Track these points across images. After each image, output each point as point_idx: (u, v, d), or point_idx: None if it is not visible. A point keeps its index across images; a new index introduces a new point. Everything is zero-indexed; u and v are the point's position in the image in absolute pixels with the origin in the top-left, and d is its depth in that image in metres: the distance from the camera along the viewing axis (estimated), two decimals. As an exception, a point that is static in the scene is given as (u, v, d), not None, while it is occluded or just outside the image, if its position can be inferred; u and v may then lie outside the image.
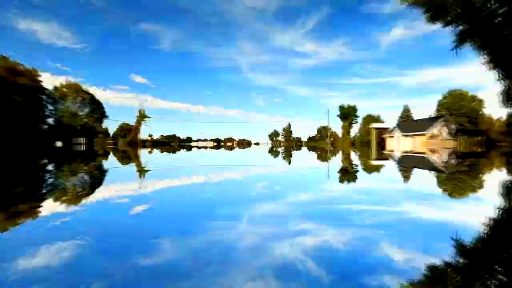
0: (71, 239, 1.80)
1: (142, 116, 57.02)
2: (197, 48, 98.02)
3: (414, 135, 35.84)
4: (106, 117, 54.85)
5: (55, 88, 45.28)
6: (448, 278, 1.32)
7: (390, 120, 58.68)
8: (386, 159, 11.93)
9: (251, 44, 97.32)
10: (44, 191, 3.72)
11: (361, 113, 59.43)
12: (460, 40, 11.87)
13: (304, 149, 33.35)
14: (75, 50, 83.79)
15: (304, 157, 13.95)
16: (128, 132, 57.58)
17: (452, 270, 1.39)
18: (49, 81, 70.17)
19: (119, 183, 4.49)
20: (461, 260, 1.50)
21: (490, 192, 3.72)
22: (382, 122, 52.18)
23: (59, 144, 39.81)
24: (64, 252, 1.60)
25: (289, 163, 9.79)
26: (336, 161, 10.39)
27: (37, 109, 38.48)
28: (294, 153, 19.53)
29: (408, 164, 9.13)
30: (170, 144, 74.73)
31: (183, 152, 21.62)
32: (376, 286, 1.24)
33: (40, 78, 38.08)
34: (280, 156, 14.47)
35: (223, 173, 6.05)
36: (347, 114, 61.37)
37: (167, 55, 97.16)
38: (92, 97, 51.79)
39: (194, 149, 30.21)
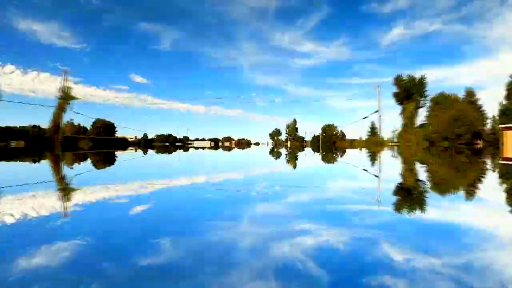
0: (71, 239, 1.84)
1: (66, 98, 35.18)
2: (197, 48, 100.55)
3: None
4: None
5: None
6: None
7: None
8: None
9: (251, 44, 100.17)
10: None
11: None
12: None
13: (308, 149, 32.15)
14: (75, 50, 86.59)
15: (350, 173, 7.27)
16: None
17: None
18: (49, 81, 73.75)
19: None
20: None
21: None
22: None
23: None
24: (64, 252, 1.64)
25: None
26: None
27: None
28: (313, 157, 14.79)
29: None
30: (137, 144, 71.53)
31: (162, 154, 18.24)
32: (376, 286, 1.26)
33: None
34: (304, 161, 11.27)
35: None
36: (409, 91, 36.71)
37: (167, 55, 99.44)
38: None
39: (181, 150, 28.37)
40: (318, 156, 15.53)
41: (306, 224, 2.21)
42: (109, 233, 2.06)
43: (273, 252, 1.65)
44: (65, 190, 4.03)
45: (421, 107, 37.40)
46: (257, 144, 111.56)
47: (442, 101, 34.32)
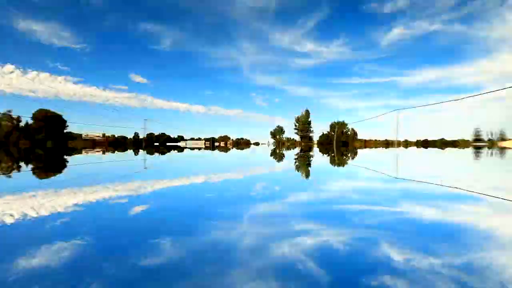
0: (71, 239, 1.93)
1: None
2: (197, 48, 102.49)
3: None
4: None
5: None
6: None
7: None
8: None
9: (251, 44, 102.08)
10: None
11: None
12: None
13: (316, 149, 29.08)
14: (75, 50, 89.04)
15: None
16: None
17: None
18: (48, 81, 75.79)
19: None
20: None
21: None
22: None
23: None
24: (64, 252, 1.74)
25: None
26: None
27: None
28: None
29: None
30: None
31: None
32: (376, 286, 1.37)
33: None
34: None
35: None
36: None
37: (167, 55, 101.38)
38: None
39: (173, 151, 25.77)
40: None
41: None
42: (109, 233, 2.13)
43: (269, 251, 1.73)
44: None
45: None
46: (257, 144, 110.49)
47: None
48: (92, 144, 60.55)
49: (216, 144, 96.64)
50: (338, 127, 69.25)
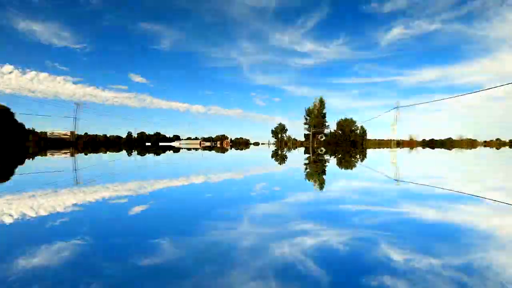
0: (70, 238, 1.93)
1: None
2: (197, 48, 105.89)
3: None
4: None
5: None
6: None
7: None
8: None
9: (251, 44, 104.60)
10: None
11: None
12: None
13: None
14: (75, 50, 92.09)
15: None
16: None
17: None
18: (47, 81, 76.56)
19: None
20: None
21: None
22: None
23: None
24: (64, 252, 1.74)
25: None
26: None
27: None
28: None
29: None
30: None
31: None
32: (376, 287, 1.38)
33: None
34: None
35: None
36: None
37: (167, 55, 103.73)
38: None
39: (167, 152, 24.00)
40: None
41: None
42: (110, 233, 2.12)
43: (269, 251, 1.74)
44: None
45: None
46: (256, 144, 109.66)
47: None
48: (59, 144, 55.13)
49: (212, 144, 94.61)
50: (346, 125, 59.62)
